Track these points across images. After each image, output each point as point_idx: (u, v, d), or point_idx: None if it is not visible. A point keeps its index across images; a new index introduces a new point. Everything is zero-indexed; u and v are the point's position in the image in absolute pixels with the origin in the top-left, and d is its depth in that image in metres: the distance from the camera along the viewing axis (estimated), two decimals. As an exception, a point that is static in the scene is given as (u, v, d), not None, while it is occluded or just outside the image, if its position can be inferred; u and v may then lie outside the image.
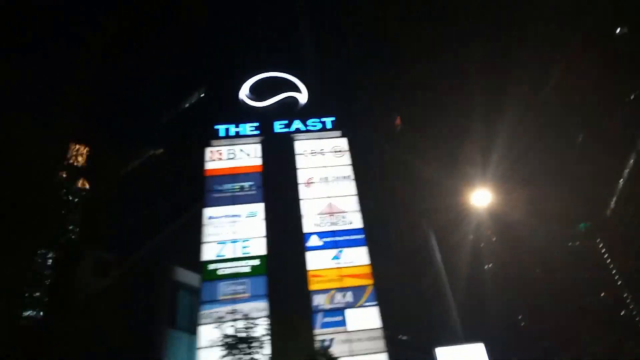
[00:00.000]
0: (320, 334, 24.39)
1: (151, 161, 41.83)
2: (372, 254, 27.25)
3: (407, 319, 23.68)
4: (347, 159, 31.36)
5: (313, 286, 26.02)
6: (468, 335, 18.45)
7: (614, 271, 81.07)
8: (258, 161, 30.81)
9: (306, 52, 38.63)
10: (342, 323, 24.93)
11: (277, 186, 29.81)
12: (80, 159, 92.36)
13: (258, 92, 34.40)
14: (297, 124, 32.46)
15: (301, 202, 29.10)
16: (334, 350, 22.27)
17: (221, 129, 31.55)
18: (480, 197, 20.24)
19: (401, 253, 27.04)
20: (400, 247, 27.11)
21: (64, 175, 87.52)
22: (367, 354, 23.85)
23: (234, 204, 28.76)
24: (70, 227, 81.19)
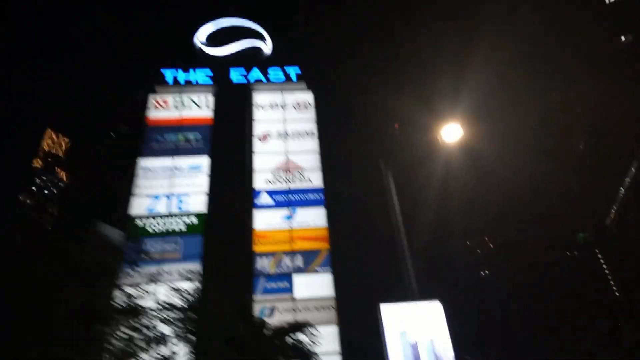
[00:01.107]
0: (261, 301, 20.70)
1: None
2: (331, 216, 23.63)
3: (358, 279, 19.97)
4: (310, 113, 27.73)
5: (258, 248, 22.33)
6: (425, 293, 14.98)
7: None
8: (208, 113, 27.15)
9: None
10: (288, 290, 21.25)
11: (227, 140, 26.19)
12: (59, 149, 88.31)
13: (216, 38, 30.75)
14: (256, 75, 28.81)
15: (254, 156, 25.45)
16: (275, 320, 18.58)
17: (168, 73, 27.85)
18: (450, 132, 16.60)
19: (361, 210, 23.40)
20: (361, 205, 23.45)
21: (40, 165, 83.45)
22: (314, 325, 20.08)
23: (174, 155, 25.10)
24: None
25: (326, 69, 29.65)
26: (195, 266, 21.19)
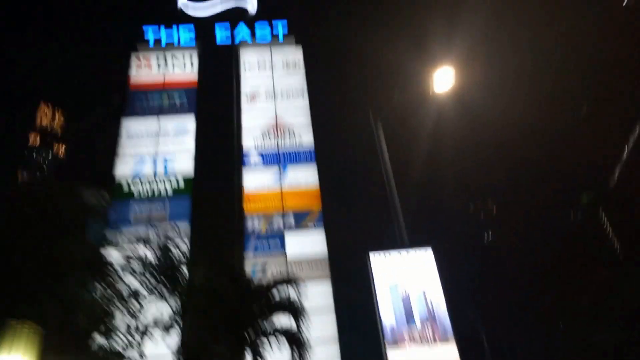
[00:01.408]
0: (253, 259, 20.30)
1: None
2: (322, 175, 22.95)
3: (351, 235, 19.50)
4: (300, 71, 26.65)
5: (248, 208, 21.78)
6: (417, 242, 14.46)
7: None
8: (193, 73, 26.09)
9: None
10: (280, 248, 20.82)
11: (214, 100, 25.25)
12: (55, 123, 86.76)
13: (199, -3, 29.28)
14: (243, 31, 27.57)
15: (242, 115, 24.58)
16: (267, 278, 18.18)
17: (150, 30, 26.66)
18: (443, 78, 15.67)
19: (353, 167, 22.68)
20: (353, 162, 22.73)
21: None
22: (307, 282, 19.71)
23: (159, 116, 24.25)
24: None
25: (314, 22, 28.32)
26: (184, 227, 20.74)
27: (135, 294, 12.89)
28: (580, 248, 23.70)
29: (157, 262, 14.31)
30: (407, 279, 13.64)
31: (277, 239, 20.98)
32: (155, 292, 13.27)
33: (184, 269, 14.72)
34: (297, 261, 20.43)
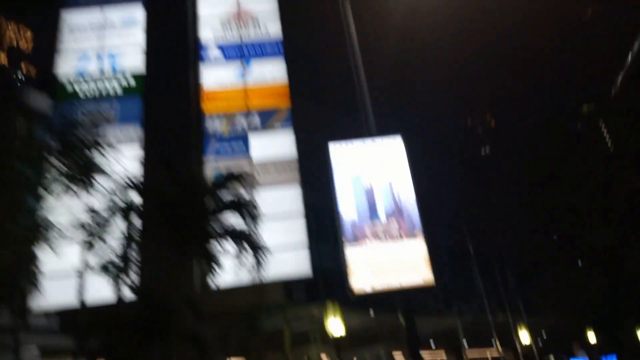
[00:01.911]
0: (214, 163, 18.47)
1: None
2: (291, 70, 20.38)
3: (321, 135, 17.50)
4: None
5: (208, 108, 19.53)
6: (385, 130, 12.53)
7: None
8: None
9: None
10: (244, 151, 18.92)
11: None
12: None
13: None
14: None
15: (199, 3, 21.37)
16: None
17: None
18: None
19: (323, 61, 20.10)
20: (322, 55, 20.07)
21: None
22: (274, 186, 18.12)
23: (103, 6, 21.08)
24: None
25: None
26: (135, 130, 18.72)
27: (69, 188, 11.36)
28: (573, 150, 21.97)
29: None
30: (372, 170, 11.85)
31: (240, 141, 19.01)
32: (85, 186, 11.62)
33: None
34: (263, 165, 18.63)
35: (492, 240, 22.40)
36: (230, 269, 13.37)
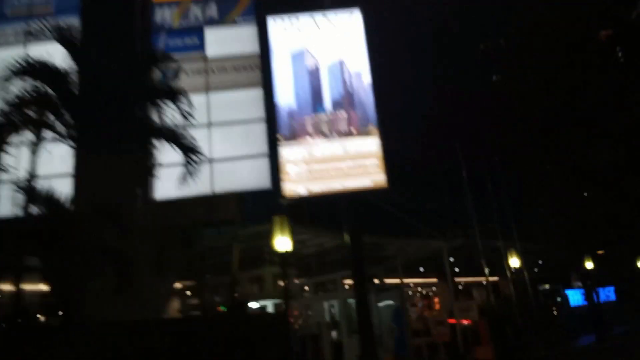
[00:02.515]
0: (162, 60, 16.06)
1: None
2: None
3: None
4: None
5: (157, -5, 16.78)
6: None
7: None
8: None
9: None
10: (198, 47, 16.40)
11: None
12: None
13: None
14: None
15: None
16: (183, 83, 14.12)
17: None
18: None
19: None
20: None
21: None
22: (232, 88, 15.78)
23: None
24: None
25: None
26: (73, 22, 16.19)
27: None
28: (580, 59, 18.79)
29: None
30: (319, 47, 9.47)
31: (194, 36, 16.45)
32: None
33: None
34: (220, 64, 16.18)
35: (485, 158, 20.22)
36: (176, 180, 11.65)
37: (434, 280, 30.36)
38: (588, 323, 22.28)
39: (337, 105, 9.13)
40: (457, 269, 31.07)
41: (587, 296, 24.57)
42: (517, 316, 20.54)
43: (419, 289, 38.69)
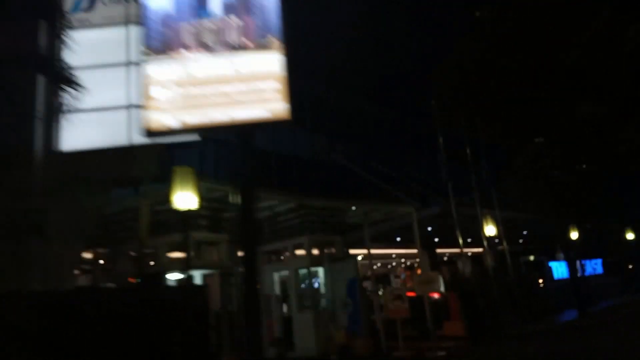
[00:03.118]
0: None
1: None
2: None
3: None
4: None
5: None
6: None
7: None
8: None
9: None
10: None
11: None
12: None
13: None
14: None
15: None
16: (100, 15, 11.55)
17: None
18: None
19: None
20: None
21: None
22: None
23: None
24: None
25: None
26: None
27: None
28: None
29: None
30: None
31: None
32: None
33: None
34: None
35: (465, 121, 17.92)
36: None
37: (414, 251, 28.66)
38: (572, 297, 20.65)
39: (229, 8, 6.66)
40: (436, 239, 29.30)
41: (570, 269, 22.82)
42: (493, 289, 18.77)
43: (403, 260, 36.99)
